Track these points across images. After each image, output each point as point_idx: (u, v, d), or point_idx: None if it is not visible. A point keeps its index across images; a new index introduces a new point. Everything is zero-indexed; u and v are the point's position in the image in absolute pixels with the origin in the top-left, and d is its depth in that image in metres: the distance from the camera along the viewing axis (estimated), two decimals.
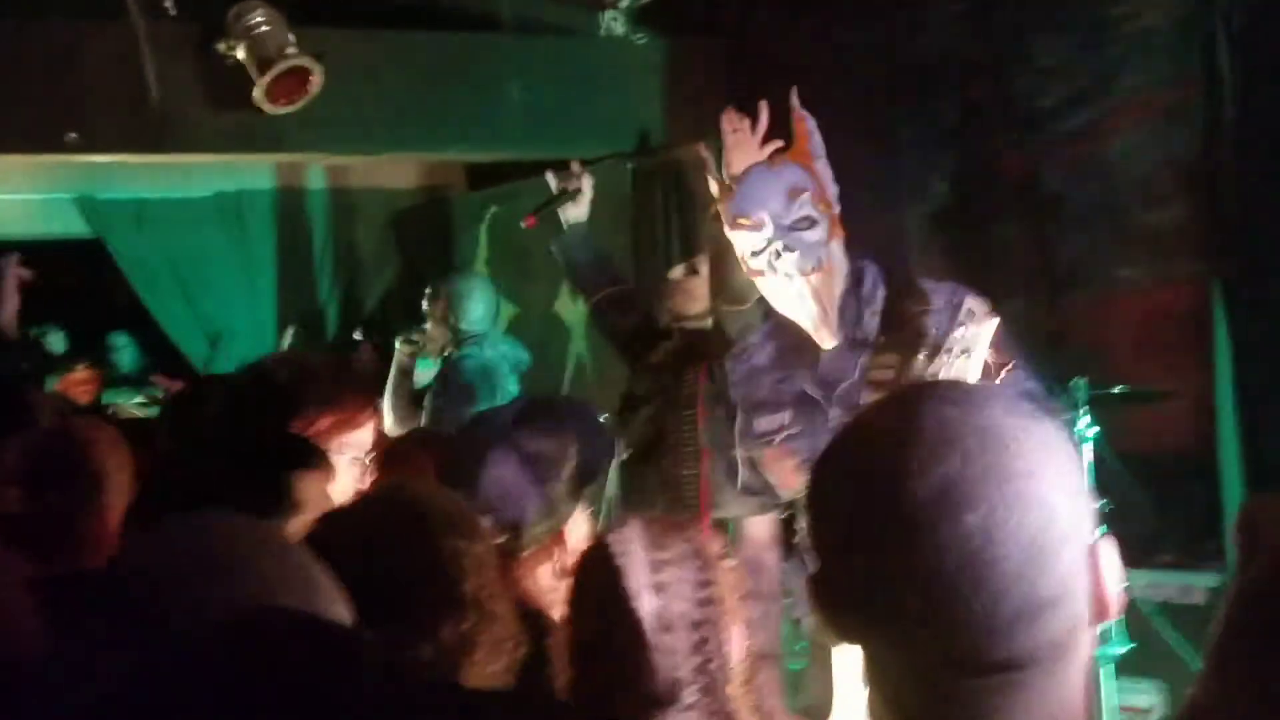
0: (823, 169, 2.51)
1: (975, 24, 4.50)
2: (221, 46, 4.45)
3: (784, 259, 2.39)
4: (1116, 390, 3.49)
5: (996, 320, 2.19)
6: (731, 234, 2.48)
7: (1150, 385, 3.61)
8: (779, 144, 2.60)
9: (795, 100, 2.55)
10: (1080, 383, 3.31)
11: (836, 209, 2.48)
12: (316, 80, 4.47)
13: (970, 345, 2.14)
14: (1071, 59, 4.19)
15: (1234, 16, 3.22)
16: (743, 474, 2.58)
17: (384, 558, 1.39)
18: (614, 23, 5.24)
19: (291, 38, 4.44)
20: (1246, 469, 3.17)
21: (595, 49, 5.28)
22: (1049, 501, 0.93)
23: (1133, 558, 3.56)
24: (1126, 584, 3.07)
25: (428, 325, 4.55)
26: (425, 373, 4.61)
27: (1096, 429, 3.28)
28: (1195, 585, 3.47)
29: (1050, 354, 3.72)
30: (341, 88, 4.59)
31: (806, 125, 2.53)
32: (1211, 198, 3.30)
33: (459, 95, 5.08)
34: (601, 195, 5.41)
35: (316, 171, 6.33)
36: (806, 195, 2.42)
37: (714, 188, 2.61)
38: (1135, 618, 3.33)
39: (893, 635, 0.92)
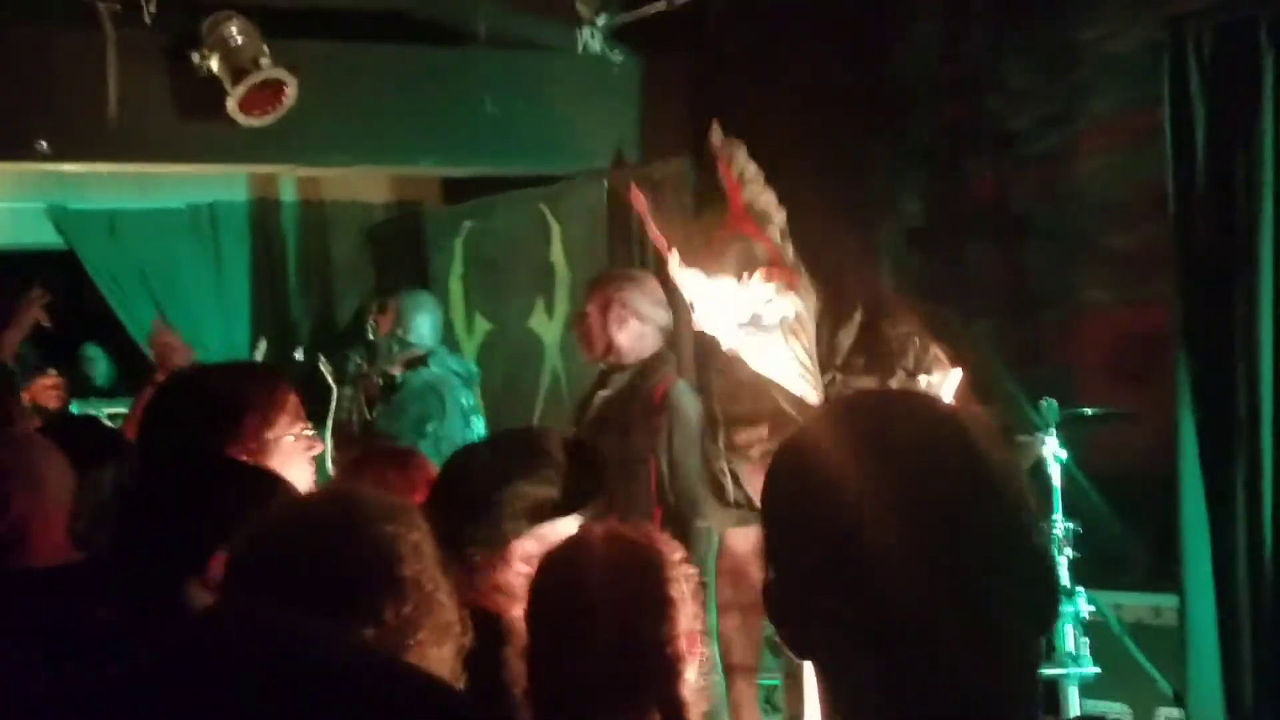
0: (754, 203, 2.41)
1: (947, 46, 4.54)
2: (195, 57, 4.43)
3: (762, 338, 2.34)
4: (1084, 411, 3.51)
5: (959, 371, 2.20)
6: (699, 321, 2.43)
7: (1118, 406, 3.64)
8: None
9: (715, 140, 2.45)
10: (1049, 403, 3.33)
11: (780, 239, 2.41)
12: (290, 92, 4.46)
13: (934, 392, 2.16)
14: (1042, 82, 4.23)
15: (1203, 42, 3.25)
16: (722, 484, 2.59)
17: (320, 546, 1.41)
18: (591, 40, 5.26)
19: (266, 49, 4.43)
20: (1207, 490, 3.19)
21: (572, 65, 5.29)
22: (1004, 512, 0.93)
23: (1101, 578, 3.59)
24: (1094, 605, 3.08)
25: (372, 337, 4.59)
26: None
27: (1065, 450, 3.30)
28: (1163, 606, 3.49)
29: (1020, 374, 3.75)
30: (316, 100, 4.58)
31: (731, 168, 2.43)
32: (1179, 221, 3.34)
33: (434, 109, 5.07)
34: (577, 212, 5.45)
35: (290, 184, 6.30)
36: (756, 274, 2.36)
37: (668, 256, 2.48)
38: (1103, 638, 3.35)
39: (838, 649, 0.91)
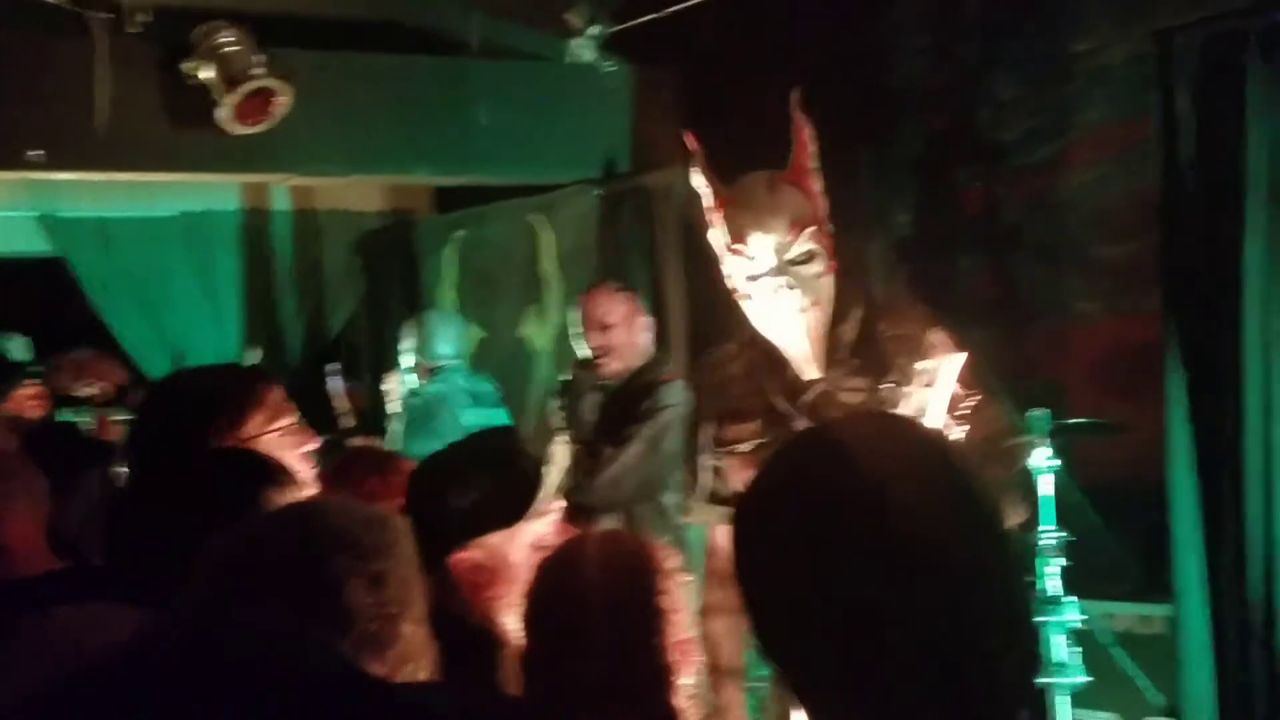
0: (817, 184, 2.45)
1: (938, 57, 4.56)
2: (188, 66, 4.43)
3: (783, 295, 2.36)
4: (1075, 422, 3.52)
5: (963, 355, 2.19)
6: (726, 257, 2.43)
7: (1108, 417, 3.65)
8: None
9: (795, 104, 2.45)
10: (1041, 414, 3.34)
11: (830, 229, 2.44)
12: (283, 101, 4.46)
13: (934, 378, 2.14)
14: (1032, 94, 4.25)
15: (1192, 54, 3.27)
16: (709, 481, 2.58)
17: (265, 575, 1.38)
18: (582, 50, 5.27)
19: (258, 58, 4.43)
20: (1199, 500, 3.21)
21: (563, 75, 5.31)
22: (993, 541, 0.93)
23: (1091, 588, 3.59)
24: (1084, 615, 3.07)
25: (408, 360, 4.62)
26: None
27: (1057, 460, 3.31)
28: (1153, 616, 3.50)
29: (1010, 385, 3.76)
30: (308, 109, 4.58)
31: (805, 135, 2.46)
32: (1168, 233, 3.35)
33: (426, 118, 5.08)
34: (568, 221, 5.46)
35: (282, 193, 6.30)
36: (810, 230, 2.38)
37: (706, 198, 2.47)
38: (1093, 648, 3.36)
39: (822, 684, 0.91)
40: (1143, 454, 3.45)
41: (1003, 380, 3.72)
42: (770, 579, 0.93)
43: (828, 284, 2.41)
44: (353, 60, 4.97)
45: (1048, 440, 3.30)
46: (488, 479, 2.00)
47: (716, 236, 2.44)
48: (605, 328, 3.74)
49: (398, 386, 4.73)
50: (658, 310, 5.02)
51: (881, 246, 4.56)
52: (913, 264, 4.50)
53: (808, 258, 2.37)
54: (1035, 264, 4.26)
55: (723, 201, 2.43)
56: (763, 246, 2.36)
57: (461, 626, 1.79)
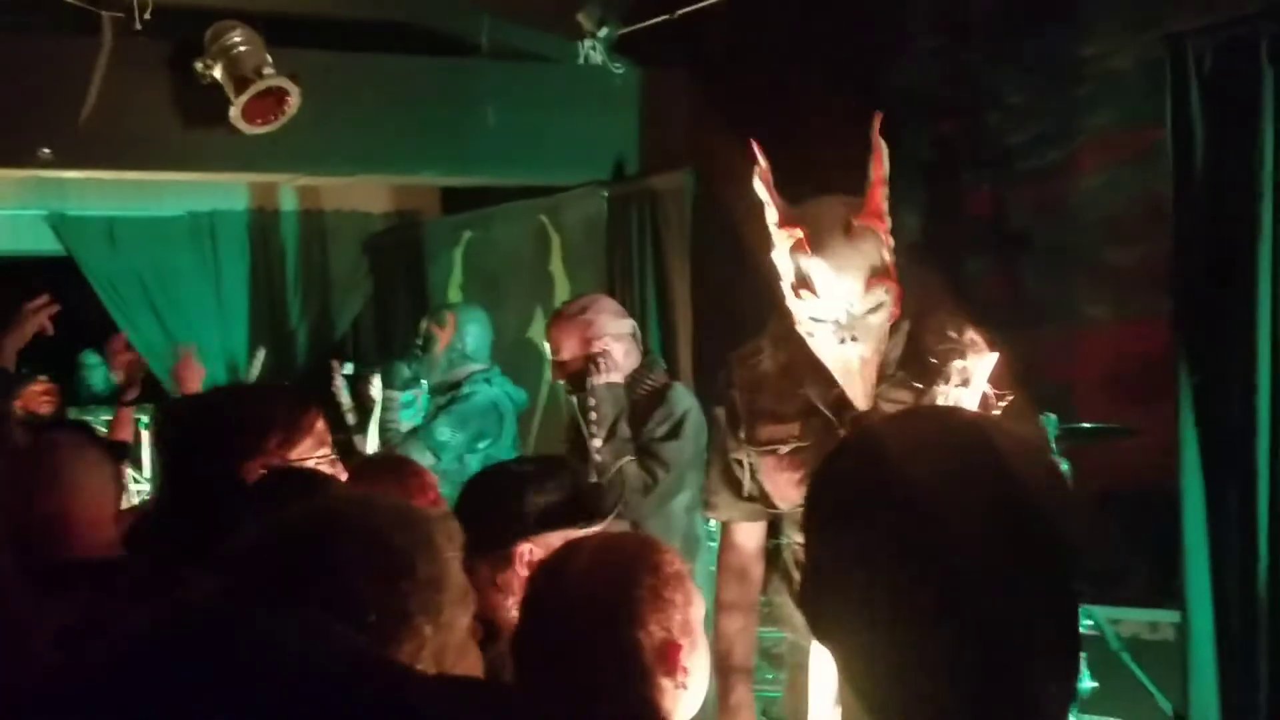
0: (888, 224, 2.35)
1: (946, 61, 4.55)
2: (198, 66, 4.44)
3: (849, 346, 2.28)
4: (1085, 426, 3.52)
5: (996, 355, 2.18)
6: (791, 299, 2.33)
7: (1117, 422, 3.64)
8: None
9: (876, 131, 2.33)
10: (1049, 418, 3.34)
11: (899, 275, 2.34)
12: (293, 101, 4.47)
13: (969, 376, 2.13)
14: (1041, 98, 4.25)
15: (1204, 59, 3.27)
16: (735, 476, 2.56)
17: (286, 564, 1.38)
18: (592, 51, 5.27)
19: (269, 58, 4.44)
20: (1208, 506, 3.20)
21: (573, 77, 5.31)
22: (1046, 524, 0.97)
23: (1099, 594, 3.57)
24: (1092, 620, 3.06)
25: (429, 347, 4.50)
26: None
27: (1064, 465, 3.30)
28: (1161, 621, 3.49)
29: (1018, 389, 3.75)
30: (318, 109, 4.59)
31: (883, 168, 2.32)
32: (1179, 238, 3.35)
33: (436, 119, 5.09)
34: (576, 222, 5.46)
35: (290, 193, 6.31)
36: (883, 285, 2.27)
37: (770, 215, 2.35)
38: (1100, 655, 3.35)
39: (887, 639, 0.95)
40: (1152, 459, 3.45)
41: (1011, 384, 3.71)
42: (827, 559, 0.99)
43: (885, 325, 2.34)
44: (361, 61, 4.97)
45: (1055, 444, 3.30)
46: (567, 484, 2.12)
47: (779, 261, 2.32)
48: (560, 363, 3.64)
49: (437, 384, 4.61)
50: (664, 311, 5.03)
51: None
52: (921, 267, 4.48)
53: (876, 308, 2.29)
54: (1044, 268, 4.25)
55: (789, 225, 2.30)
56: (834, 296, 2.27)
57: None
